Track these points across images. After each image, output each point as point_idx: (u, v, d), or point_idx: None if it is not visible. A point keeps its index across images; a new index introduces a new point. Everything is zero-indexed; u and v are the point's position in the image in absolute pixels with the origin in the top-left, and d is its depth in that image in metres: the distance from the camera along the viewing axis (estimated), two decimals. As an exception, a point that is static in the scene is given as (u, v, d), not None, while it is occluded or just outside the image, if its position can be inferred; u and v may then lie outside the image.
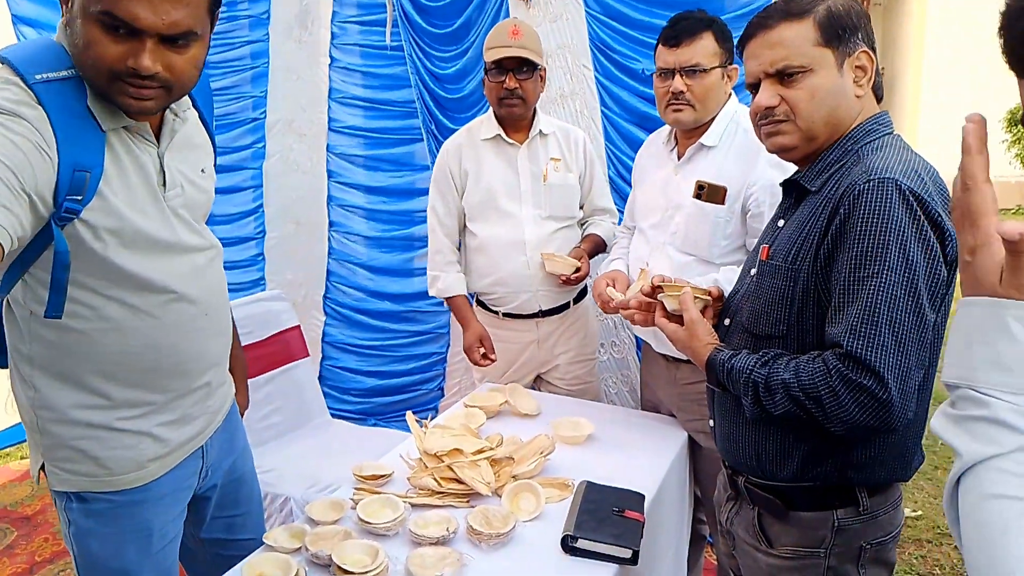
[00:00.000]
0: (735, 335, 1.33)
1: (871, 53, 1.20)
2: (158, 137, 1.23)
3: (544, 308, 2.32)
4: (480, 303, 2.43)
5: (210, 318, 1.33)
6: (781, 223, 1.30)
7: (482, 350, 2.29)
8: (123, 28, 1.03)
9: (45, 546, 2.77)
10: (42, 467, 1.28)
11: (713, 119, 1.90)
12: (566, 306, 2.35)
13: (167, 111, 1.24)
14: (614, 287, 1.90)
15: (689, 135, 1.94)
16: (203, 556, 1.53)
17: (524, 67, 2.16)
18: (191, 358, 1.30)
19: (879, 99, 1.25)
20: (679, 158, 1.96)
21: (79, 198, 1.07)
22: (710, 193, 1.74)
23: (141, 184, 1.19)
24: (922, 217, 1.08)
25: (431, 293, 2.40)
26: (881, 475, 1.21)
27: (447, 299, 2.38)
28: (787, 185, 1.32)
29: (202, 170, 1.33)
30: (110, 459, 1.26)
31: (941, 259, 1.10)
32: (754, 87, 1.25)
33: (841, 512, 1.22)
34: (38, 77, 1.05)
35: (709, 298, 1.39)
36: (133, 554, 1.30)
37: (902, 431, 1.17)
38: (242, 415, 1.65)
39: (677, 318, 1.37)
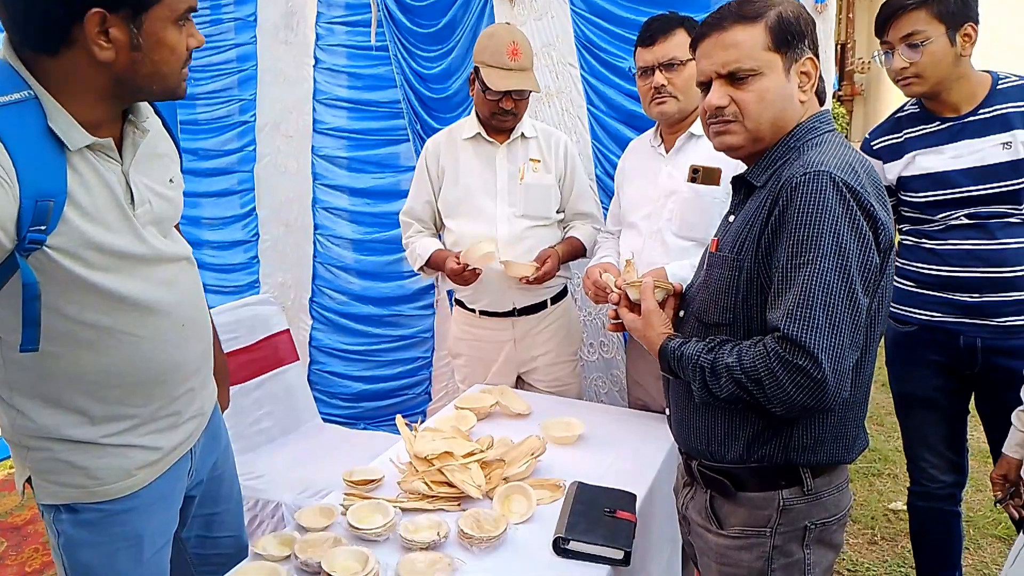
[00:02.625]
0: (688, 324, 1.38)
1: (815, 59, 1.27)
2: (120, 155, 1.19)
3: (519, 306, 2.32)
4: (458, 302, 2.44)
5: (187, 328, 1.30)
6: (731, 219, 1.36)
7: (463, 266, 2.17)
8: (185, 16, 1.10)
9: (35, 556, 2.74)
10: (28, 480, 1.26)
11: (697, 110, 1.94)
12: (543, 305, 2.35)
13: (127, 125, 1.20)
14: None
15: (674, 128, 2.03)
16: (182, 554, 1.52)
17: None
18: (170, 369, 1.28)
19: (821, 102, 1.32)
20: (667, 151, 2.03)
21: (43, 228, 1.03)
22: (705, 175, 1.78)
23: (108, 202, 1.14)
24: (855, 207, 1.14)
25: (415, 268, 2.40)
26: (823, 456, 1.26)
27: (428, 265, 2.34)
28: (736, 182, 1.38)
29: (170, 180, 1.30)
30: (99, 469, 1.24)
31: (874, 247, 1.16)
32: (705, 86, 1.30)
33: (786, 492, 1.26)
34: None
35: (671, 288, 1.44)
36: (125, 562, 1.28)
37: (842, 413, 1.24)
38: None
39: (639, 309, 1.42)
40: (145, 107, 1.24)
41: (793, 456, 1.25)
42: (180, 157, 1.39)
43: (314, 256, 3.40)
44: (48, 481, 1.23)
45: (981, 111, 1.81)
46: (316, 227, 3.38)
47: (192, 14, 1.14)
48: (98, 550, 1.26)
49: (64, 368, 1.17)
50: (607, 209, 2.66)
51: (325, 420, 2.91)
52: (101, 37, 1.03)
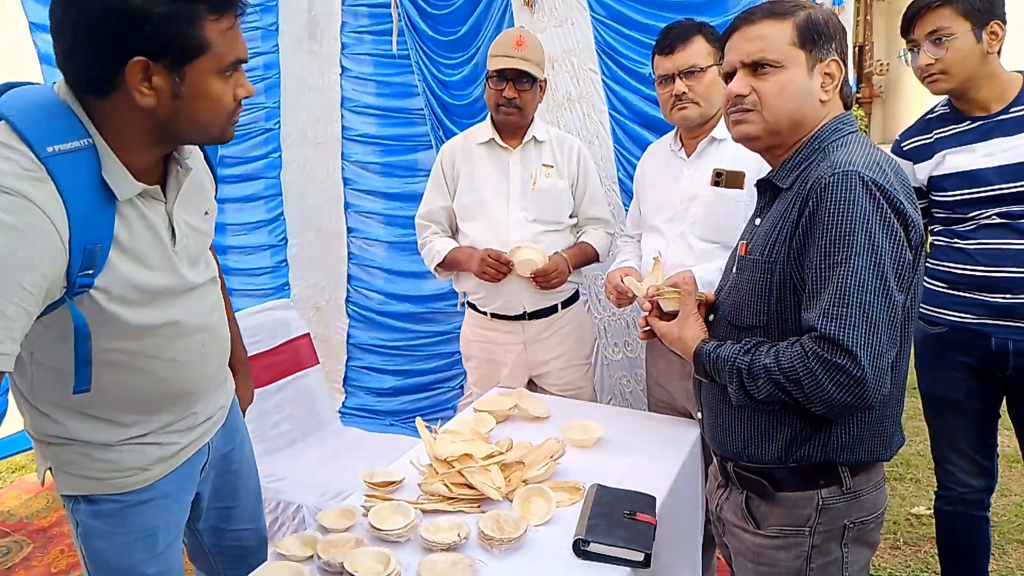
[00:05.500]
0: (719, 328, 1.39)
1: (841, 63, 1.29)
2: (164, 193, 1.22)
3: (529, 310, 2.33)
4: (470, 304, 2.46)
5: (210, 343, 1.36)
6: (758, 221, 1.37)
7: (491, 261, 2.20)
8: (233, 68, 1.10)
9: (61, 558, 2.78)
10: (49, 468, 1.30)
11: (718, 115, 2.00)
12: (553, 310, 2.36)
13: (171, 163, 1.22)
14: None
15: (695, 133, 2.04)
16: (200, 546, 1.56)
17: (524, 78, 2.20)
18: (196, 380, 1.34)
19: (847, 107, 1.34)
20: (688, 155, 2.04)
21: (91, 272, 1.07)
22: (729, 179, 1.79)
23: (151, 244, 1.18)
24: (885, 205, 1.15)
25: (431, 267, 2.42)
26: (862, 454, 1.26)
27: (445, 264, 2.36)
28: (761, 185, 1.39)
29: (205, 212, 1.34)
30: (117, 462, 1.28)
31: (905, 244, 1.17)
32: (729, 77, 1.33)
33: (825, 491, 1.27)
34: (50, 150, 1.01)
35: (704, 296, 1.45)
36: (140, 553, 1.32)
37: (880, 411, 1.25)
38: (244, 409, 1.67)
39: (668, 318, 1.43)
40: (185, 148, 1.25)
41: (832, 455, 1.25)
42: (216, 185, 1.42)
43: (348, 258, 3.48)
44: (68, 473, 1.27)
45: (1013, 109, 1.80)
46: (350, 230, 3.45)
47: (243, 65, 1.14)
48: (114, 540, 1.30)
49: (95, 389, 1.20)
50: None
51: (360, 415, 2.93)
52: (143, 84, 1.04)
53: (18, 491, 3.35)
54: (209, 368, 1.37)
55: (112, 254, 1.09)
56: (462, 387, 3.40)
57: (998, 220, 1.80)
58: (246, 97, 1.15)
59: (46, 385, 1.20)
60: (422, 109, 3.15)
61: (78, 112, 1.06)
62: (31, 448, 3.52)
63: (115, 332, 1.16)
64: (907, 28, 1.86)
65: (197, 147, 1.32)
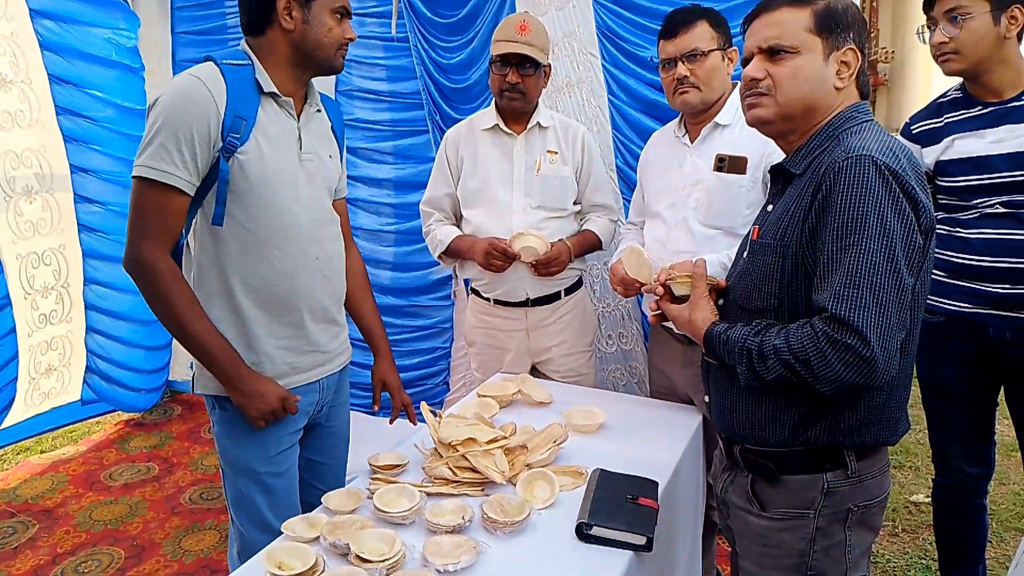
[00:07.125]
0: (729, 312, 1.40)
1: (858, 52, 1.30)
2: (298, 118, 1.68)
3: (532, 296, 2.34)
4: (474, 291, 2.47)
5: (321, 263, 1.70)
6: (770, 208, 1.38)
7: (496, 253, 2.22)
8: (344, 13, 1.65)
9: (66, 538, 2.81)
10: (192, 367, 1.67)
11: (721, 101, 2.00)
12: (556, 296, 2.37)
13: (305, 105, 1.69)
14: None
15: (699, 118, 2.03)
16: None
17: (528, 63, 2.20)
18: (306, 293, 1.67)
19: (863, 96, 1.35)
20: (692, 141, 2.04)
21: (238, 136, 1.55)
22: (731, 164, 1.80)
23: (283, 139, 1.63)
24: (897, 190, 1.16)
25: (435, 255, 2.43)
26: (868, 438, 1.28)
27: (448, 252, 2.37)
28: (775, 172, 1.40)
29: (329, 155, 1.76)
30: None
31: (916, 228, 1.18)
32: (747, 63, 1.34)
33: (831, 475, 1.29)
34: (224, 62, 1.58)
35: (716, 281, 1.46)
36: (254, 452, 1.65)
37: (886, 395, 1.26)
38: (395, 385, 2.10)
39: (679, 302, 1.45)
40: (318, 98, 1.73)
41: (839, 438, 1.27)
42: (342, 154, 1.85)
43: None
44: (202, 374, 1.64)
45: None
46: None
47: (349, 18, 1.67)
48: (232, 438, 1.66)
49: (232, 263, 1.60)
50: (628, 199, 2.66)
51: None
52: (286, 14, 1.58)
53: (23, 472, 3.37)
54: (317, 287, 1.70)
55: (255, 132, 1.57)
56: (447, 383, 3.38)
57: (1002, 209, 1.80)
58: (351, 40, 1.67)
59: (202, 274, 1.61)
60: (416, 93, 3.13)
61: (245, 49, 1.63)
62: (36, 435, 3.58)
63: (249, 205, 1.57)
64: (928, 4, 1.85)
65: (324, 111, 1.76)
